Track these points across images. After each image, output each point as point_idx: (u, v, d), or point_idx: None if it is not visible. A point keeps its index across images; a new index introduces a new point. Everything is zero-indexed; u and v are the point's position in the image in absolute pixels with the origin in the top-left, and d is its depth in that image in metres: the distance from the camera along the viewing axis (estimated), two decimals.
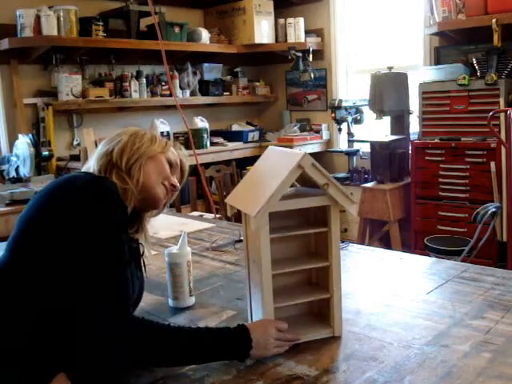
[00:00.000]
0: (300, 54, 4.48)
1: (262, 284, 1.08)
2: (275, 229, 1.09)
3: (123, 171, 1.10)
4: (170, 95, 4.02)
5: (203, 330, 1.02)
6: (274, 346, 1.05)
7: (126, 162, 1.11)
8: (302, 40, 4.72)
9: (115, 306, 0.94)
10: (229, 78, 5.00)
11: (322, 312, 1.16)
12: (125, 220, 1.04)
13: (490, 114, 3.12)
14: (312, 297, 1.14)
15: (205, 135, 4.37)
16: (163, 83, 4.31)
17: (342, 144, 4.85)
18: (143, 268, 1.24)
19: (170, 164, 1.21)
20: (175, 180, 1.21)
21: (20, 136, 3.41)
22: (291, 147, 4.38)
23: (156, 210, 1.23)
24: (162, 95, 4.26)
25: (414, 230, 3.89)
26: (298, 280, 1.18)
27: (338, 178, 4.40)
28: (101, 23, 3.79)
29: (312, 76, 4.54)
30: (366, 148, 4.34)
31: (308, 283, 1.19)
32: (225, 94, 4.86)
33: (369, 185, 3.94)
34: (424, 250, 3.24)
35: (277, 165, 1.10)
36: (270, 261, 1.07)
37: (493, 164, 3.43)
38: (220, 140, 4.63)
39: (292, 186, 1.10)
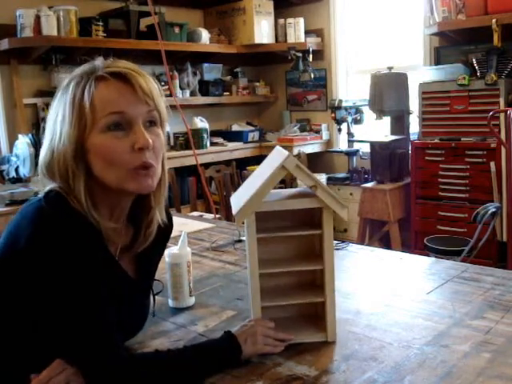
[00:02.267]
0: (300, 54, 4.48)
1: (249, 283, 1.09)
2: (271, 229, 1.10)
3: None
4: (170, 95, 4.01)
5: (189, 349, 0.98)
6: (264, 342, 1.04)
7: None
8: (302, 40, 4.72)
9: (98, 351, 0.89)
10: (229, 78, 5.00)
11: (318, 315, 1.16)
12: (88, 256, 0.90)
13: (490, 114, 3.12)
14: (304, 299, 1.13)
15: (205, 135, 4.37)
16: (163, 83, 4.30)
17: (342, 144, 4.85)
18: (152, 296, 1.19)
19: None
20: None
21: (20, 136, 3.41)
22: (291, 147, 4.39)
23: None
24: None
25: (414, 230, 3.89)
26: (294, 281, 1.17)
27: (337, 178, 4.41)
28: (101, 23, 3.79)
29: (312, 76, 4.54)
30: (365, 148, 4.34)
31: (305, 285, 1.18)
32: (225, 94, 4.86)
33: (369, 185, 3.94)
34: (424, 250, 3.23)
35: (268, 166, 1.10)
36: (257, 260, 1.07)
37: (493, 164, 3.43)
38: (220, 140, 4.63)
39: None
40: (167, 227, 1.15)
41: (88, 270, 0.89)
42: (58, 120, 0.93)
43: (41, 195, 0.95)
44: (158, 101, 0.96)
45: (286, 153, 1.03)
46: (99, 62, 0.95)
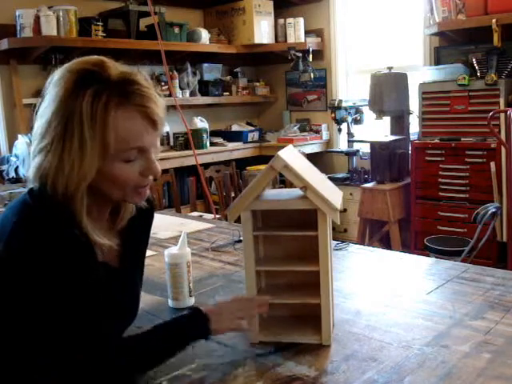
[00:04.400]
0: (300, 54, 4.48)
1: (245, 280, 1.10)
2: (270, 228, 1.12)
3: None
4: (170, 95, 4.02)
5: (161, 327, 1.00)
6: (231, 319, 1.05)
7: None
8: (302, 40, 4.72)
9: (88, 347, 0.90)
10: (228, 78, 5.00)
11: (317, 316, 1.15)
12: (71, 255, 0.90)
13: (490, 114, 3.12)
14: (298, 300, 1.13)
15: (204, 135, 4.37)
16: (163, 83, 4.31)
17: (342, 144, 4.85)
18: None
19: None
20: None
21: (19, 136, 3.41)
22: None
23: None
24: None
25: (414, 230, 3.89)
26: (294, 281, 1.17)
27: (337, 178, 4.40)
28: (100, 23, 3.79)
29: (312, 76, 4.54)
30: (365, 148, 4.34)
31: (305, 286, 1.18)
32: (224, 94, 4.86)
33: (369, 185, 3.94)
34: (424, 250, 3.23)
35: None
36: (253, 257, 1.09)
37: (493, 164, 3.43)
38: (220, 140, 4.63)
39: None
40: (148, 210, 1.16)
41: (67, 264, 0.90)
42: (73, 138, 0.89)
43: (26, 190, 0.97)
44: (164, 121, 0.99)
45: (277, 154, 1.04)
46: (108, 70, 0.92)
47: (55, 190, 0.92)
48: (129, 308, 1.14)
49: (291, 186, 1.13)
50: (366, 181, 4.16)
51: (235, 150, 4.56)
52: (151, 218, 1.20)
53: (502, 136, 3.26)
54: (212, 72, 4.76)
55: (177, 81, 4.39)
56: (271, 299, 1.12)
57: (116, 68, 0.94)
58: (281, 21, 4.79)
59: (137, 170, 0.96)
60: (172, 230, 2.10)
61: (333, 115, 4.39)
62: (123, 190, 0.96)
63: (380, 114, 3.94)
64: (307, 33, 4.79)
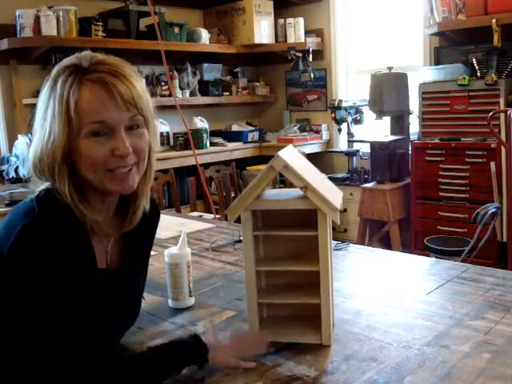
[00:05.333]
0: (300, 54, 4.48)
1: (245, 280, 1.10)
2: (271, 228, 1.12)
3: None
4: (170, 95, 4.02)
5: (156, 353, 0.99)
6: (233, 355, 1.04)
7: None
8: (302, 40, 4.72)
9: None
10: (228, 78, 5.00)
11: (318, 317, 1.15)
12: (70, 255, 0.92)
13: (490, 114, 3.12)
14: (298, 300, 1.13)
15: (204, 135, 4.37)
16: (163, 83, 4.31)
17: (342, 144, 4.85)
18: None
19: None
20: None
21: (19, 136, 3.41)
22: None
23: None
24: (161, 95, 4.26)
25: (414, 230, 3.89)
26: (294, 281, 1.17)
27: (337, 178, 4.40)
28: (100, 23, 3.79)
29: (312, 76, 4.54)
30: (365, 148, 4.34)
31: (305, 286, 1.18)
32: (224, 94, 4.86)
33: (369, 185, 3.94)
34: (424, 250, 3.23)
35: None
36: (253, 256, 1.09)
37: (493, 164, 3.43)
38: (220, 140, 4.63)
39: None
40: (154, 216, 1.16)
41: (67, 268, 0.92)
42: (47, 117, 0.96)
43: (33, 195, 0.98)
44: (141, 104, 0.98)
45: (278, 154, 1.04)
46: (86, 58, 0.97)
47: (43, 172, 0.96)
48: (129, 310, 1.14)
49: (291, 185, 1.13)
50: (366, 181, 4.16)
51: (235, 150, 4.56)
52: (156, 222, 1.20)
53: (502, 136, 3.26)
54: (212, 72, 4.76)
55: (177, 81, 4.39)
56: (271, 299, 1.12)
57: (98, 56, 0.98)
58: (281, 21, 4.79)
59: (106, 150, 0.95)
60: (172, 229, 2.10)
61: (333, 115, 4.39)
62: (95, 172, 0.95)
63: (380, 113, 3.94)
64: (307, 33, 4.79)
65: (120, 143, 0.95)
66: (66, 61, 0.98)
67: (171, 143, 4.41)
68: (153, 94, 4.19)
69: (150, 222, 1.16)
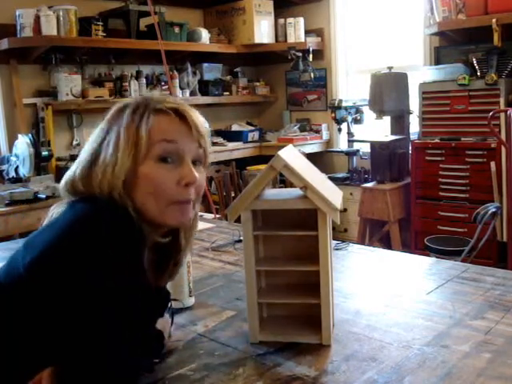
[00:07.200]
0: (300, 54, 4.48)
1: (245, 279, 1.10)
2: (271, 228, 1.12)
3: None
4: (170, 95, 4.01)
5: None
6: None
7: None
8: (302, 40, 4.72)
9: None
10: (229, 78, 5.00)
11: (318, 316, 1.15)
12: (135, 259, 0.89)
13: (490, 114, 3.12)
14: (298, 300, 1.13)
15: None
16: (163, 83, 4.31)
17: (342, 144, 4.85)
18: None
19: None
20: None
21: (19, 136, 3.41)
22: None
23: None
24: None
25: (414, 230, 3.89)
26: (295, 281, 1.17)
27: (337, 178, 4.41)
28: (100, 23, 3.79)
29: (312, 76, 4.54)
30: (366, 148, 4.34)
31: (305, 286, 1.18)
32: (225, 93, 4.86)
33: (369, 185, 3.94)
34: (424, 250, 3.23)
35: None
36: (254, 256, 1.09)
37: (493, 164, 3.43)
38: (220, 140, 4.63)
39: None
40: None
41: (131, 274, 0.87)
42: (108, 143, 0.93)
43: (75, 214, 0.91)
44: (206, 140, 0.99)
45: (277, 153, 1.04)
46: (154, 95, 0.98)
47: (91, 189, 0.92)
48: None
49: (291, 185, 1.13)
50: (366, 181, 4.16)
51: (235, 150, 4.56)
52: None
53: (502, 136, 3.26)
54: (212, 72, 4.77)
55: (177, 81, 4.39)
56: (271, 299, 1.12)
57: (169, 98, 0.99)
58: (281, 20, 4.79)
59: (173, 178, 0.93)
60: None
61: (333, 115, 4.39)
62: (156, 200, 0.92)
63: (380, 113, 3.95)
64: (307, 32, 4.79)
65: (188, 171, 0.94)
66: (130, 99, 0.99)
67: None
68: None
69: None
